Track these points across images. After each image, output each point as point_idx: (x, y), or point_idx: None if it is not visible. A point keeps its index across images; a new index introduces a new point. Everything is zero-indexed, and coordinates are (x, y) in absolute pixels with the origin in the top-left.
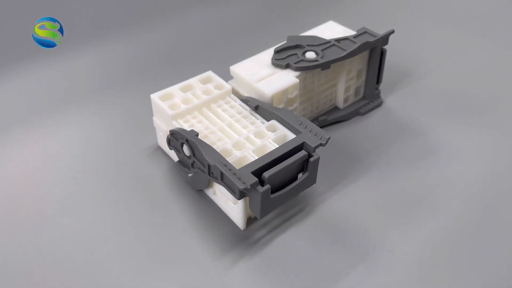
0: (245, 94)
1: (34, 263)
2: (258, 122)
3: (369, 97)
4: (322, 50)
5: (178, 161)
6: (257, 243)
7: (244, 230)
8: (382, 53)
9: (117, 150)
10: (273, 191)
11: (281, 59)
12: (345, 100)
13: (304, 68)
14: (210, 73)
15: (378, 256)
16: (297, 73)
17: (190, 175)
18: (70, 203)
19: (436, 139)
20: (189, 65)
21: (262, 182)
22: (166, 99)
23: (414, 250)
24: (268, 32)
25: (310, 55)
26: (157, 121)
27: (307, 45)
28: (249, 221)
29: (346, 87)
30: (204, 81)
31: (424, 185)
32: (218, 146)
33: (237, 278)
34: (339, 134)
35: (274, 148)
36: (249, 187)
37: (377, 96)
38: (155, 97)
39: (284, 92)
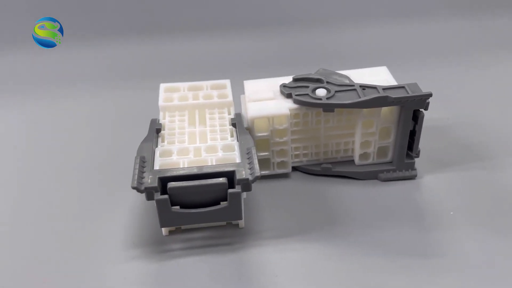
0: (243, 110)
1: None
2: (228, 140)
3: (398, 165)
4: (336, 91)
5: None
6: (166, 253)
7: (166, 235)
8: (418, 118)
9: (126, 129)
10: (183, 206)
11: (288, 87)
12: (363, 156)
13: (301, 103)
14: (226, 82)
15: None
16: (295, 106)
17: None
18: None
19: (451, 242)
20: (234, 72)
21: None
22: (169, 91)
23: None
24: (328, 60)
25: (320, 92)
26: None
27: (327, 82)
28: (178, 230)
29: (364, 141)
30: (215, 87)
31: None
32: (170, 146)
33: (121, 274)
34: (340, 189)
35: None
36: (142, 189)
37: (410, 167)
38: (162, 86)
39: (269, 120)
